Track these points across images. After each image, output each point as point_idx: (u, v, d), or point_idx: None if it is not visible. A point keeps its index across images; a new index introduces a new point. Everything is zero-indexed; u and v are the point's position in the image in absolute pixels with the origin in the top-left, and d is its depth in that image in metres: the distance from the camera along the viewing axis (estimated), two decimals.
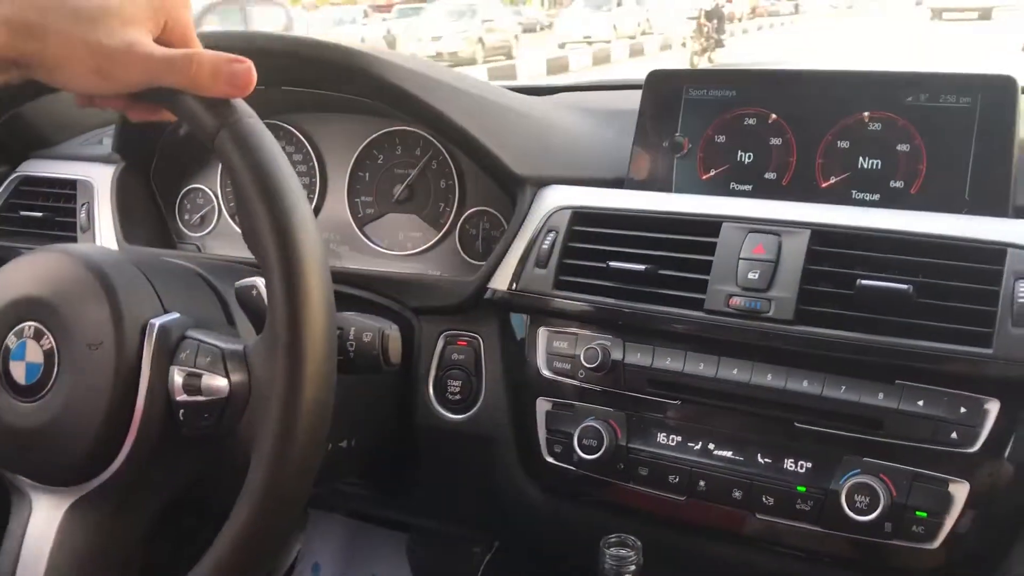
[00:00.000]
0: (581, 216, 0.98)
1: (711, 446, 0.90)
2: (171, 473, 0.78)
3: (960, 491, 0.79)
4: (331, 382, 0.65)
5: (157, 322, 0.74)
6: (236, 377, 0.69)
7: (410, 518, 1.33)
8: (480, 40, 18.55)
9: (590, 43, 17.95)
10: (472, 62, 16.65)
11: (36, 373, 0.74)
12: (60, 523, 0.76)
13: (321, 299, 0.63)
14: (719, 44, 15.25)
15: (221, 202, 1.31)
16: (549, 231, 0.99)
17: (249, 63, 0.62)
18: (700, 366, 0.89)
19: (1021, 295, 0.78)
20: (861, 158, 0.94)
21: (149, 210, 1.30)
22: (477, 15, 18.84)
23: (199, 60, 0.61)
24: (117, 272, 0.77)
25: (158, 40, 0.62)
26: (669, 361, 0.90)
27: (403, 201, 1.20)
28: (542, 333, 0.98)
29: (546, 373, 0.97)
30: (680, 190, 1.01)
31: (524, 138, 1.08)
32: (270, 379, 0.63)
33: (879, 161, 0.94)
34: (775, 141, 0.98)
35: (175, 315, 0.76)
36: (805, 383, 0.84)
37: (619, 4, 20.57)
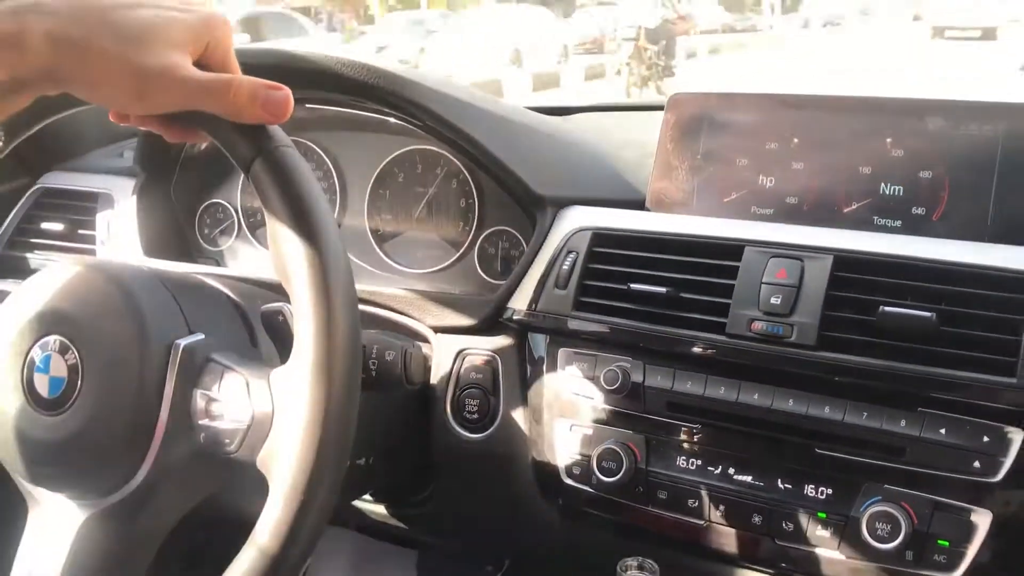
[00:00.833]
0: (601, 237, 0.99)
1: (731, 470, 0.89)
2: (188, 492, 0.78)
3: (983, 520, 0.79)
4: (354, 414, 0.64)
5: (183, 343, 0.74)
6: (259, 406, 0.68)
7: (422, 536, 1.33)
8: None
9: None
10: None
11: (59, 387, 0.74)
12: (74, 537, 0.76)
13: (348, 336, 0.63)
14: (667, 72, 11.63)
15: (241, 217, 1.31)
16: (569, 252, 0.99)
17: (287, 91, 0.62)
18: (721, 390, 0.88)
19: None
20: (883, 184, 0.94)
21: (169, 224, 1.31)
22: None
23: (237, 85, 0.61)
24: (145, 290, 0.77)
25: (198, 63, 0.62)
26: (690, 384, 0.90)
27: (422, 219, 1.20)
28: (561, 354, 0.98)
29: (565, 394, 0.97)
30: (701, 213, 1.02)
31: (545, 158, 1.09)
32: (293, 412, 0.63)
33: (901, 187, 0.94)
34: (797, 166, 0.98)
35: (200, 336, 0.76)
36: (827, 409, 0.84)
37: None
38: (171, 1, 0.61)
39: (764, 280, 0.88)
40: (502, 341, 1.03)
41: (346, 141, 1.25)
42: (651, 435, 0.93)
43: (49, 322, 0.76)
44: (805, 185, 0.98)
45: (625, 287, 0.94)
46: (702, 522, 0.91)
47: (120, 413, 0.73)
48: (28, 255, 1.33)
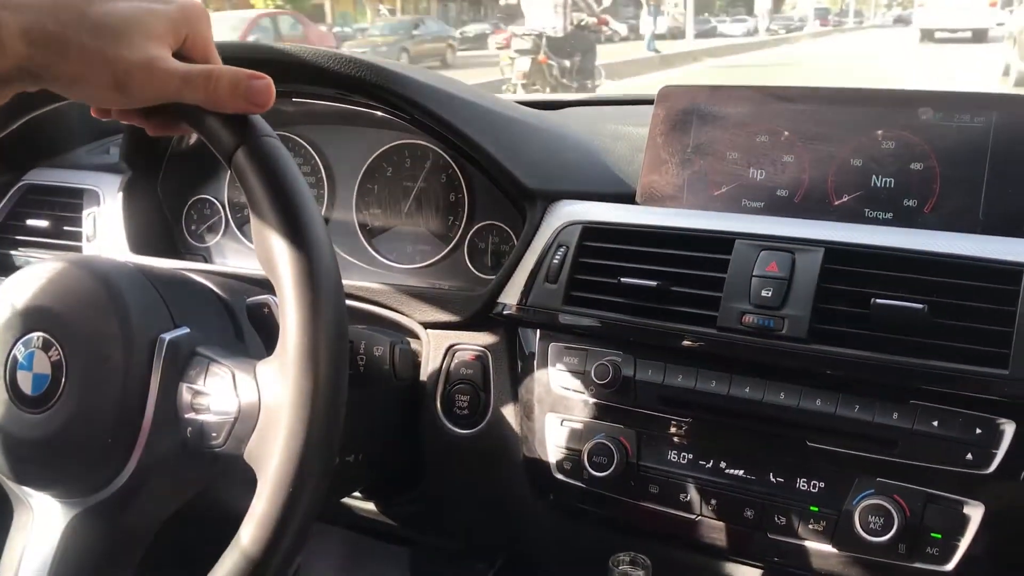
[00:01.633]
0: (592, 231, 0.98)
1: (723, 464, 0.89)
2: (175, 488, 0.78)
3: (975, 513, 0.79)
4: (341, 409, 0.63)
5: (167, 337, 0.73)
6: (246, 398, 0.67)
7: (414, 533, 1.32)
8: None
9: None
10: None
11: (43, 384, 0.74)
12: (62, 535, 0.75)
13: (334, 323, 0.62)
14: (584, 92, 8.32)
15: (228, 213, 1.30)
16: (560, 246, 0.98)
17: (268, 79, 0.62)
18: (712, 383, 0.88)
19: None
20: (874, 176, 0.94)
21: (156, 220, 1.30)
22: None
23: (218, 76, 0.61)
24: (128, 285, 0.76)
25: (178, 55, 0.61)
26: (680, 378, 0.89)
27: (412, 214, 1.20)
28: (552, 349, 0.97)
29: (556, 389, 0.97)
30: (691, 206, 1.01)
31: (535, 152, 1.08)
32: (280, 403, 0.62)
33: (892, 179, 0.93)
34: (787, 158, 0.98)
35: (185, 330, 0.75)
36: (818, 402, 0.84)
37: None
38: None
39: (755, 273, 0.87)
40: (492, 336, 1.02)
41: (334, 135, 1.25)
42: (642, 429, 0.92)
43: (32, 319, 0.75)
44: (796, 177, 0.97)
45: (616, 281, 0.93)
46: (694, 516, 0.90)
47: (105, 409, 0.72)
48: (13, 252, 1.32)
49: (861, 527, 0.81)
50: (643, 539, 0.95)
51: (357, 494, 1.14)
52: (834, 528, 0.83)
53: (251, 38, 14.11)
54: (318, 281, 0.61)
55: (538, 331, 0.99)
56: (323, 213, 1.24)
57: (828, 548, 0.84)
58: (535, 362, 0.99)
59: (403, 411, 1.05)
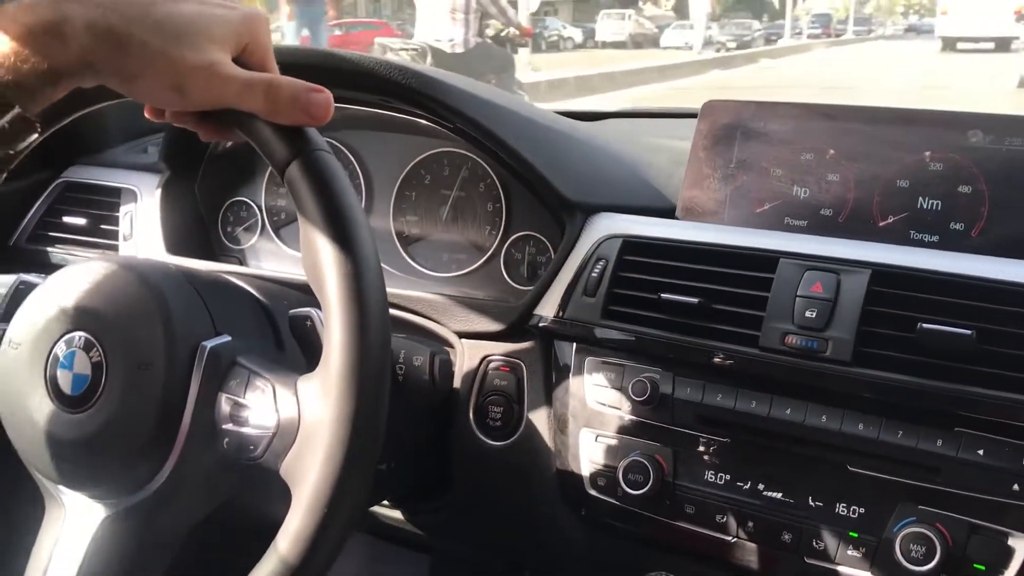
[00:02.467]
0: (632, 245, 0.97)
1: (760, 486, 0.88)
2: (209, 496, 0.78)
3: (1021, 545, 0.77)
4: (381, 430, 0.63)
5: (208, 345, 0.73)
6: (285, 413, 0.67)
7: (438, 542, 1.32)
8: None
9: None
10: None
11: (83, 385, 0.74)
12: (93, 536, 0.75)
13: (378, 344, 0.62)
14: None
15: (264, 216, 1.30)
16: (599, 260, 0.97)
17: (328, 93, 0.62)
18: (752, 404, 0.87)
19: None
20: (921, 198, 0.93)
21: (192, 221, 1.30)
22: None
23: (278, 86, 0.60)
24: (172, 289, 0.76)
25: (238, 60, 0.61)
26: (720, 397, 0.88)
27: (448, 223, 1.19)
28: (588, 363, 0.97)
29: (591, 404, 0.96)
30: (733, 222, 1.00)
31: (576, 164, 1.07)
32: (320, 421, 0.62)
33: (939, 202, 0.92)
34: (832, 177, 0.96)
35: (226, 338, 0.75)
36: (861, 426, 0.83)
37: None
38: None
39: (799, 293, 0.86)
40: (528, 348, 1.01)
41: (373, 141, 1.24)
42: (679, 448, 0.91)
43: (75, 318, 0.75)
44: (840, 197, 0.96)
45: (655, 296, 0.92)
46: (730, 538, 0.89)
47: (143, 413, 0.72)
48: (50, 249, 1.33)
49: (902, 555, 0.79)
50: (676, 559, 0.94)
51: (384, 501, 1.14)
52: (874, 555, 0.82)
53: None
54: (365, 301, 0.61)
55: (574, 344, 0.98)
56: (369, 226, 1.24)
57: (867, 575, 0.83)
58: (570, 376, 0.98)
59: (436, 421, 1.04)
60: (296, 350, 0.79)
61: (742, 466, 0.89)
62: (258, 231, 1.31)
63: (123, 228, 1.28)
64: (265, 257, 1.30)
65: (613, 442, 0.94)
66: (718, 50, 22.87)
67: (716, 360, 0.88)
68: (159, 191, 1.26)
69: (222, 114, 0.62)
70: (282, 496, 0.64)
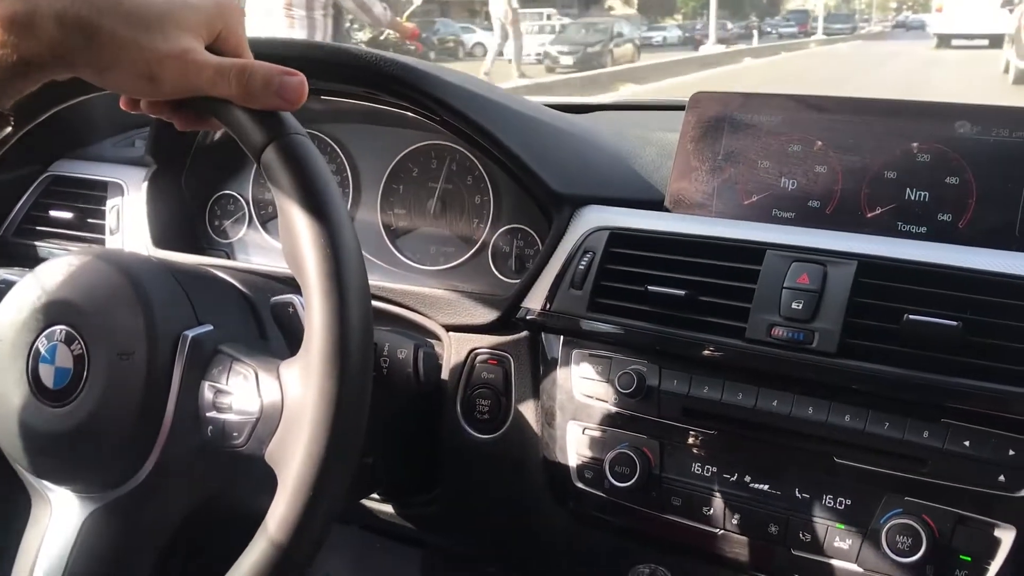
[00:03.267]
0: (619, 238, 0.97)
1: (747, 478, 0.88)
2: (194, 486, 0.77)
3: (1007, 536, 0.77)
4: (365, 409, 0.63)
5: (190, 334, 0.73)
6: (268, 397, 0.67)
7: (428, 536, 1.32)
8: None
9: None
10: None
11: (65, 378, 0.73)
12: (80, 530, 0.75)
13: (360, 326, 0.61)
14: None
15: (252, 209, 1.30)
16: (586, 252, 0.97)
17: (301, 76, 0.61)
18: (739, 396, 0.87)
19: None
20: (908, 189, 0.92)
21: (179, 214, 1.30)
22: None
23: (251, 71, 0.60)
24: (153, 280, 0.76)
25: (211, 48, 0.61)
26: (707, 389, 0.88)
27: (436, 216, 1.19)
28: (575, 355, 0.96)
29: (578, 396, 0.95)
30: (720, 214, 1.00)
31: (564, 156, 1.07)
32: (302, 404, 0.62)
33: (927, 193, 0.92)
34: (820, 169, 0.96)
35: (208, 327, 0.75)
36: (847, 418, 0.82)
37: None
38: None
39: (785, 285, 0.86)
40: (515, 341, 1.01)
41: (361, 134, 1.24)
42: (666, 440, 0.91)
43: (55, 312, 0.75)
44: (828, 188, 0.96)
45: (642, 289, 0.92)
46: (716, 530, 0.89)
47: (126, 405, 0.72)
48: (36, 243, 1.33)
49: (888, 546, 0.79)
50: (664, 551, 0.94)
51: (373, 495, 1.13)
52: (860, 546, 0.82)
53: None
54: (345, 283, 0.60)
55: (561, 337, 0.98)
56: (347, 208, 1.23)
57: (853, 567, 0.83)
58: (558, 368, 0.98)
59: (423, 414, 1.04)
60: (280, 340, 0.78)
61: (729, 458, 0.89)
62: (246, 224, 1.30)
63: (110, 222, 1.28)
64: (253, 251, 1.30)
65: (600, 435, 0.94)
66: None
67: (703, 352, 0.88)
68: (146, 185, 1.25)
69: (197, 102, 0.61)
70: (270, 488, 0.63)
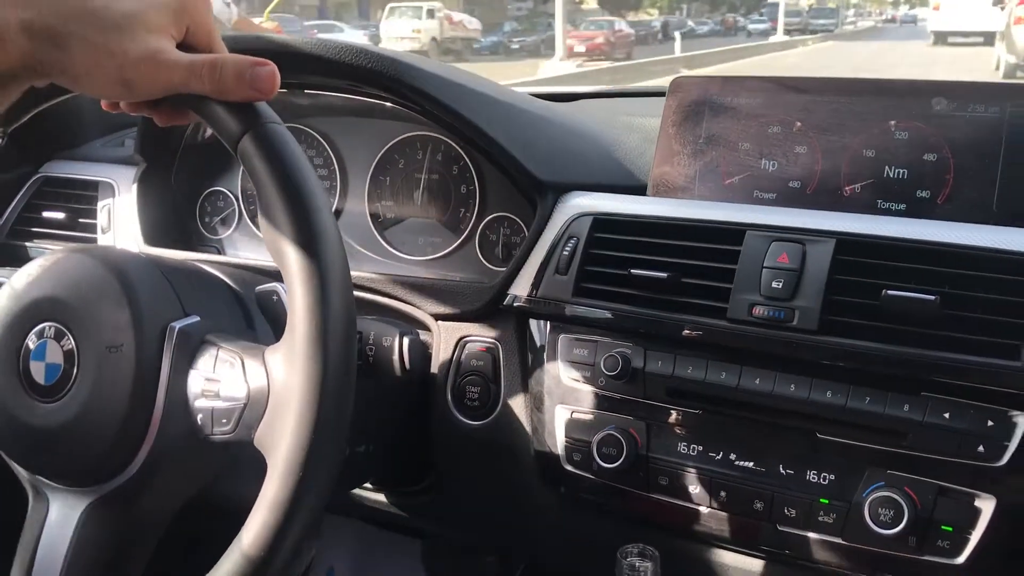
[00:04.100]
0: (602, 223, 0.98)
1: (732, 456, 0.89)
2: (188, 476, 0.78)
3: (987, 506, 0.78)
4: (350, 389, 0.64)
5: (177, 326, 0.74)
6: (255, 383, 0.68)
7: (425, 524, 1.33)
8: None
9: None
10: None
11: (56, 374, 0.74)
12: (77, 523, 0.76)
13: (342, 307, 0.62)
14: None
15: (242, 205, 1.31)
16: (570, 238, 0.98)
17: (272, 66, 0.62)
18: (722, 375, 0.88)
19: None
20: (887, 167, 0.93)
21: (170, 212, 1.30)
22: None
23: (223, 65, 0.61)
24: (138, 274, 0.77)
25: (181, 45, 0.62)
26: (690, 370, 0.89)
27: (423, 206, 1.20)
28: (562, 340, 0.97)
29: (565, 381, 0.97)
30: (703, 197, 1.01)
31: (547, 144, 1.08)
32: (288, 387, 0.63)
33: (905, 170, 0.92)
34: (800, 149, 0.97)
35: (195, 318, 0.76)
36: (828, 394, 0.83)
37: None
38: None
39: (765, 264, 0.87)
40: (503, 328, 1.02)
41: (346, 127, 1.25)
42: (652, 421, 0.92)
43: (43, 309, 0.76)
44: (808, 168, 0.96)
45: (626, 272, 0.93)
46: (703, 508, 0.90)
47: (117, 397, 0.73)
48: (29, 244, 1.34)
49: (871, 519, 0.80)
50: (652, 531, 0.95)
51: (368, 485, 1.15)
52: (844, 520, 0.83)
53: None
54: (325, 266, 0.62)
55: (548, 323, 0.99)
56: (335, 204, 1.24)
57: (838, 540, 0.84)
58: (545, 354, 0.99)
59: (414, 403, 1.05)
60: (267, 330, 0.79)
61: (713, 437, 0.90)
62: (235, 220, 1.31)
63: (101, 221, 1.29)
64: (243, 246, 1.31)
65: (587, 417, 0.95)
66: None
67: (686, 333, 0.89)
68: (135, 184, 1.26)
69: (174, 99, 0.62)
70: (261, 473, 0.64)
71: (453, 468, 1.09)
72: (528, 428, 1.00)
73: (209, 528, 0.86)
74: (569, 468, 0.96)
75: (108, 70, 0.58)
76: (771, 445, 0.87)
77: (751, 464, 0.88)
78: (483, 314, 1.02)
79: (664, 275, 0.91)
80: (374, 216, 1.22)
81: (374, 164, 1.22)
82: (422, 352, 1.00)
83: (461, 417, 1.03)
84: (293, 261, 0.61)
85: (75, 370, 0.74)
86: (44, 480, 0.79)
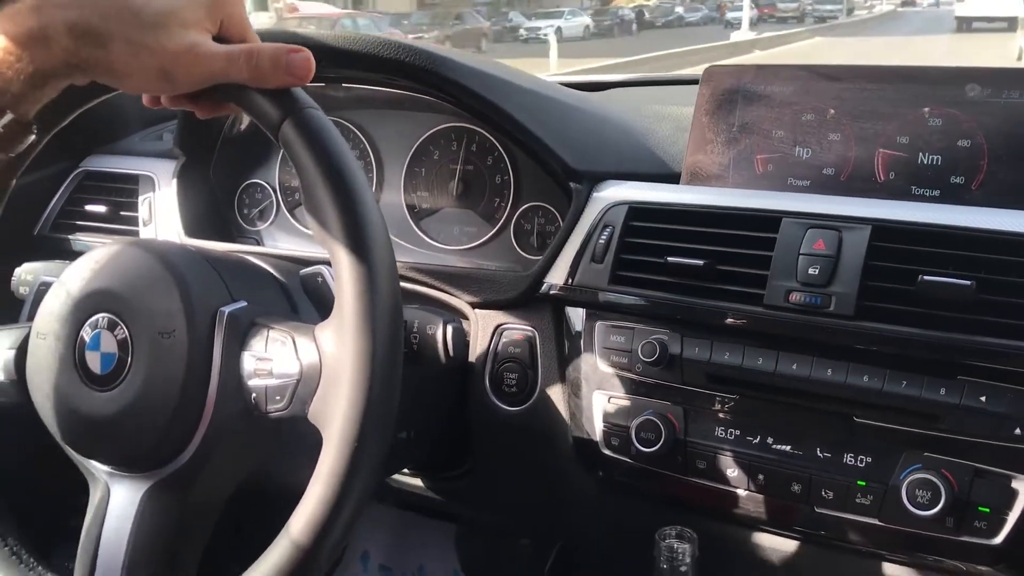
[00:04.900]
0: (637, 211, 0.99)
1: (770, 440, 0.90)
2: (244, 456, 0.80)
3: (1023, 487, 0.79)
4: (398, 361, 0.66)
5: (227, 310, 0.76)
6: (307, 359, 0.70)
7: (460, 509, 1.35)
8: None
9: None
10: None
11: (111, 362, 0.76)
12: (138, 507, 0.77)
13: (388, 280, 0.65)
14: None
15: (279, 197, 1.33)
16: (605, 226, 0.99)
17: (307, 51, 0.65)
18: (759, 360, 0.89)
19: None
20: (921, 154, 0.94)
21: (209, 204, 1.33)
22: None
23: (259, 53, 0.64)
24: (186, 263, 0.79)
25: (216, 38, 0.64)
26: (728, 356, 0.90)
27: (459, 196, 1.21)
28: (599, 327, 0.99)
29: (602, 367, 0.98)
30: (737, 185, 1.02)
31: (581, 134, 1.09)
32: (340, 361, 0.65)
33: (939, 157, 0.93)
34: (833, 136, 0.98)
35: (243, 303, 0.78)
36: (865, 378, 0.84)
37: None
38: None
39: (802, 251, 0.88)
40: (539, 316, 1.04)
41: (382, 119, 1.27)
42: (689, 406, 0.93)
43: (96, 301, 0.78)
44: (842, 155, 0.97)
45: (662, 260, 0.94)
46: (740, 491, 0.92)
47: (171, 383, 0.74)
48: (71, 237, 1.36)
49: (908, 501, 0.81)
50: (690, 514, 0.96)
51: (405, 471, 1.17)
52: (881, 502, 0.84)
53: None
54: (371, 243, 0.64)
55: (584, 310, 1.01)
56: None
57: (875, 522, 0.85)
58: (582, 341, 1.00)
59: (453, 389, 1.07)
60: (311, 313, 0.81)
61: (751, 421, 0.91)
62: (274, 212, 1.33)
63: (142, 214, 1.31)
64: (281, 237, 1.33)
65: (625, 403, 0.97)
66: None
67: (723, 320, 0.90)
68: (175, 177, 1.29)
69: (213, 90, 0.65)
70: (313, 456, 0.66)
71: (490, 453, 1.11)
72: (565, 414, 1.02)
73: (258, 515, 0.88)
74: (607, 452, 0.98)
75: (148, 66, 0.61)
76: (808, 429, 0.89)
77: (788, 448, 0.89)
78: (520, 302, 1.04)
79: (700, 262, 0.92)
80: (410, 207, 1.24)
81: (409, 156, 1.24)
82: (463, 339, 1.01)
83: (499, 403, 1.05)
84: (339, 240, 0.64)
85: (129, 358, 0.76)
86: (104, 467, 0.81)
